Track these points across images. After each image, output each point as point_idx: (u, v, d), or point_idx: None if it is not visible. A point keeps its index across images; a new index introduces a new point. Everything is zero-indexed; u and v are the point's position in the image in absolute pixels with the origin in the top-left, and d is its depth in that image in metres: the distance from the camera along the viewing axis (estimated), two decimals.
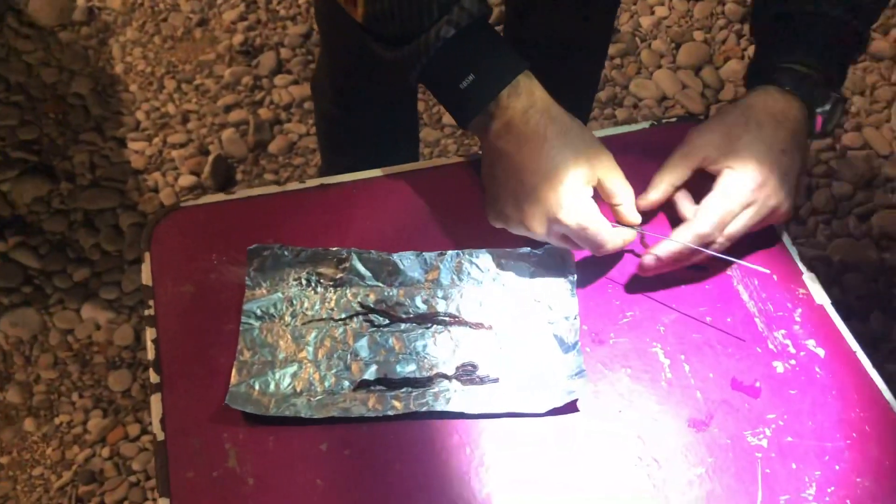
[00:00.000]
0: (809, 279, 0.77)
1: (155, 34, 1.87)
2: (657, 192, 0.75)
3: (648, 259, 0.72)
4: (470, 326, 0.72)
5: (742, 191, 0.71)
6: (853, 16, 0.74)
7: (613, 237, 0.71)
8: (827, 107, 0.75)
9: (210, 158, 1.67)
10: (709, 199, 0.72)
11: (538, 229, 0.71)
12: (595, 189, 0.72)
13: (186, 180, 1.65)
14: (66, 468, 1.37)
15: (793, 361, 0.72)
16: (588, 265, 0.76)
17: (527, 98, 0.70)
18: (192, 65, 1.83)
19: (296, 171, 1.68)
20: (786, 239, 0.79)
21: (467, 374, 0.69)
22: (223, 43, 1.85)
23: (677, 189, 0.75)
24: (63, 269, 1.55)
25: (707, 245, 0.71)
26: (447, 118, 1.76)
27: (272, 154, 1.70)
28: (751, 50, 1.84)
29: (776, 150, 0.72)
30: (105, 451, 1.38)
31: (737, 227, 0.72)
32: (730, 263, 0.75)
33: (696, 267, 0.75)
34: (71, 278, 1.54)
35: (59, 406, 1.43)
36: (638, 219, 0.74)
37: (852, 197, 1.68)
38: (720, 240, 0.72)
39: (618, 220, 0.73)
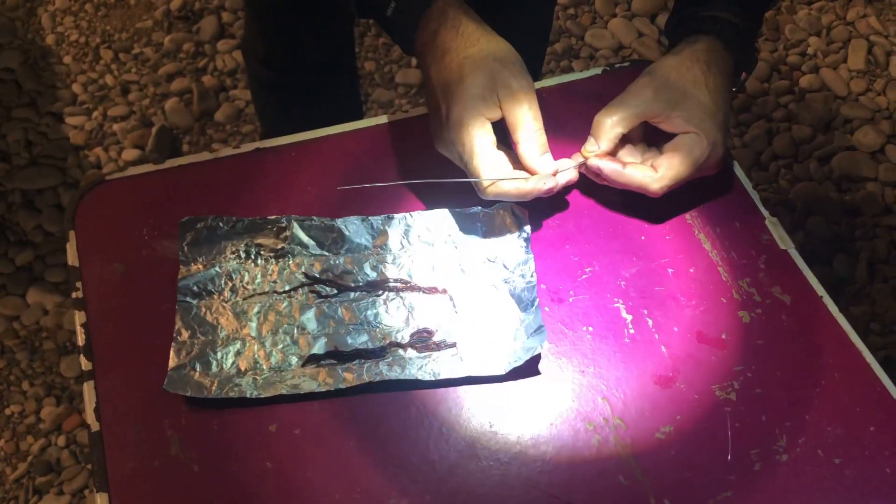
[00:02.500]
0: (772, 224, 0.74)
1: (86, 2, 1.77)
2: (607, 142, 0.69)
3: (591, 162, 0.70)
4: (423, 291, 0.68)
5: (706, 162, 0.70)
6: None
7: (496, 181, 0.65)
8: (752, 64, 0.76)
9: (154, 130, 1.60)
10: (668, 161, 0.69)
11: (442, 151, 0.69)
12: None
13: (130, 154, 1.58)
14: (21, 459, 1.32)
15: (758, 310, 0.69)
16: (542, 220, 0.72)
17: (438, 17, 0.68)
18: (128, 33, 1.74)
19: (245, 140, 1.62)
20: (746, 184, 0.77)
21: (422, 340, 0.66)
22: (160, 8, 1.76)
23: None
24: (4, 252, 1.48)
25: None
26: (400, 77, 1.71)
27: (219, 122, 1.64)
28: None
29: (726, 112, 0.71)
30: (61, 440, 1.33)
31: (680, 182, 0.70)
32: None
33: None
34: (13, 262, 1.47)
35: (10, 396, 1.37)
36: (543, 168, 0.67)
37: (812, 140, 1.66)
38: (660, 192, 0.69)
39: (521, 164, 0.68)
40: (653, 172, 0.68)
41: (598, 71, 0.83)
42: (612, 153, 0.71)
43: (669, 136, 0.70)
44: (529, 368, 0.64)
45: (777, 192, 1.59)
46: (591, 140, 0.70)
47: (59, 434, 1.34)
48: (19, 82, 1.66)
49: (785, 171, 1.62)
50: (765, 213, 0.75)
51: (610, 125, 0.69)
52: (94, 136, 1.61)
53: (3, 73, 1.66)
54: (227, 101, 1.66)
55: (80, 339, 0.64)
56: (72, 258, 0.68)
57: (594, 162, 0.70)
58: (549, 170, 0.67)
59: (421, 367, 0.64)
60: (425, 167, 0.74)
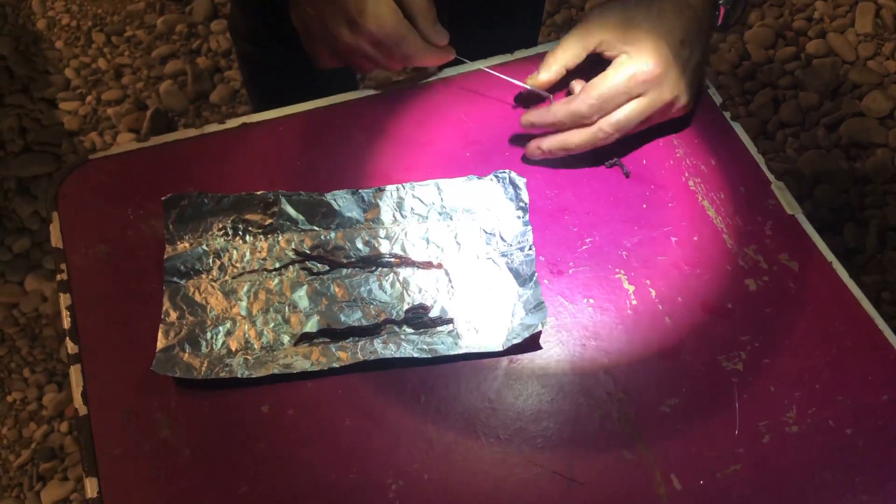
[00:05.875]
0: (778, 188, 0.71)
1: None
2: (548, 72, 0.71)
3: (532, 148, 0.71)
4: (418, 266, 0.66)
5: (632, 80, 0.67)
6: None
7: (421, 47, 0.69)
8: None
9: (148, 113, 1.58)
10: (593, 80, 0.68)
11: (341, 35, 0.69)
12: None
13: (125, 138, 1.57)
14: (24, 446, 1.32)
15: (765, 278, 0.67)
16: (540, 189, 0.70)
17: None
18: (120, 16, 1.72)
19: None
20: (750, 147, 0.74)
21: (418, 317, 0.63)
22: None
23: (570, 71, 0.71)
24: (1, 240, 1.46)
25: (584, 125, 0.68)
26: None
27: (214, 104, 1.62)
28: None
29: (676, 39, 0.68)
30: (63, 426, 1.33)
31: (622, 115, 0.68)
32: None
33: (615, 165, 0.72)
34: (10, 250, 1.46)
35: (11, 383, 1.36)
36: (438, 40, 0.70)
37: (819, 107, 1.62)
38: (604, 127, 0.68)
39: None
40: (578, 97, 0.68)
41: None
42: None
43: None
44: (529, 343, 0.62)
45: (784, 161, 1.56)
46: (535, 73, 0.72)
47: (62, 420, 1.33)
48: (11, 68, 1.64)
49: (792, 140, 1.59)
50: (770, 177, 0.72)
51: (553, 59, 0.70)
52: (88, 121, 1.59)
53: None
54: (221, 83, 1.64)
55: (66, 323, 0.63)
56: (55, 240, 0.66)
57: (526, 118, 0.70)
58: (442, 41, 0.70)
59: (417, 344, 0.62)
60: (413, 140, 0.72)
